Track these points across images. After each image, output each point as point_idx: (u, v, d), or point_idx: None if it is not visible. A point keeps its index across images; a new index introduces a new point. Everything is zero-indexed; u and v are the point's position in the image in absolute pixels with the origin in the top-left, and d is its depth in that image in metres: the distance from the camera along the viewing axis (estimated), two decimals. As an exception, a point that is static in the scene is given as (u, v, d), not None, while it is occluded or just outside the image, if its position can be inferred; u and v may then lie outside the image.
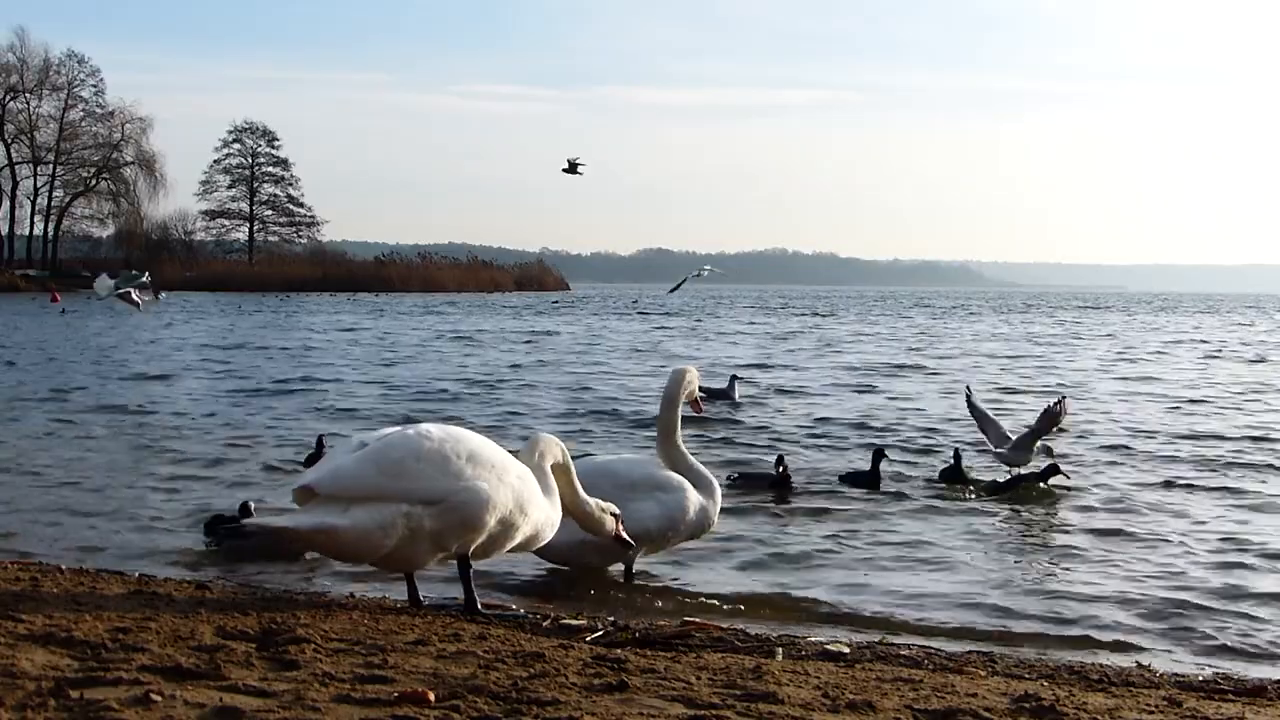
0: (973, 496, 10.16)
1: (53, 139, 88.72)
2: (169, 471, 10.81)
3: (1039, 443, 10.72)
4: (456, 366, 24.12)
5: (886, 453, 10.98)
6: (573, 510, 6.03)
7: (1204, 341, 39.26)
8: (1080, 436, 13.75)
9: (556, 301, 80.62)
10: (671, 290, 17.62)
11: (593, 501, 6.10)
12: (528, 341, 33.51)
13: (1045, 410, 10.74)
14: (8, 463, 11.12)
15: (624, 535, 6.27)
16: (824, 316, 59.45)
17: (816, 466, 11.60)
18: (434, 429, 5.57)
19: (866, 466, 10.62)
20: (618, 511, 6.24)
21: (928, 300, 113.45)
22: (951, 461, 10.84)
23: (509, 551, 5.79)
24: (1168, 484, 10.76)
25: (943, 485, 10.55)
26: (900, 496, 10.09)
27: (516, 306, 67.07)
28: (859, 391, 19.85)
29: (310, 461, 10.18)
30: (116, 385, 18.98)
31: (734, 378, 17.50)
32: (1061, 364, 27.28)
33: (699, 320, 52.08)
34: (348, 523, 5.26)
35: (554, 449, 5.89)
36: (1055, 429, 10.93)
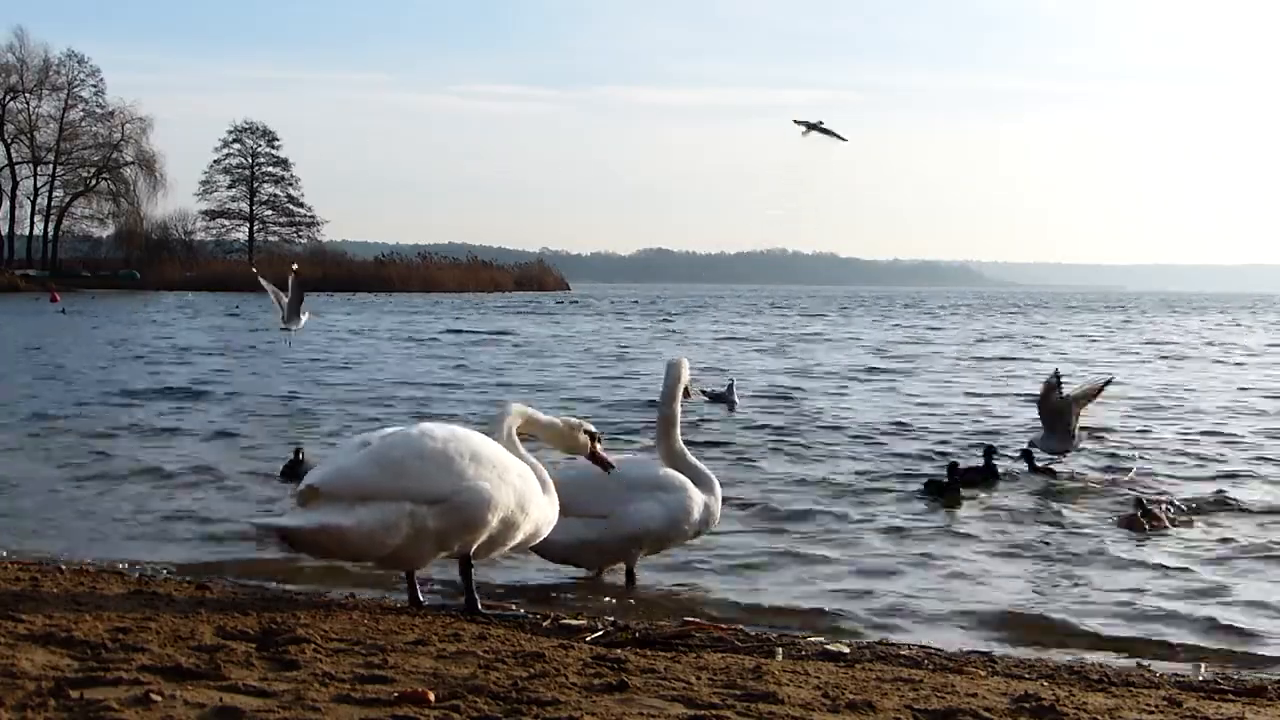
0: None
1: (53, 139, 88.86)
2: (171, 472, 10.82)
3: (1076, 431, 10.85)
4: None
5: (997, 450, 11.25)
6: (548, 435, 6.11)
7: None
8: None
9: (573, 300, 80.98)
10: (802, 125, 16.93)
11: (562, 420, 6.14)
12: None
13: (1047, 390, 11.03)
14: (15, 462, 11.12)
15: (603, 457, 6.24)
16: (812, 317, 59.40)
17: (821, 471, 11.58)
18: (436, 428, 5.58)
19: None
20: (592, 429, 6.22)
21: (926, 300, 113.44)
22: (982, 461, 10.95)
23: (509, 550, 5.81)
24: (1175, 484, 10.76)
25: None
26: (906, 497, 10.09)
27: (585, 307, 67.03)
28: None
29: (288, 472, 9.94)
30: (115, 385, 18.99)
31: (732, 382, 17.47)
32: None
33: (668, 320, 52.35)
34: (352, 522, 5.27)
35: (517, 416, 5.93)
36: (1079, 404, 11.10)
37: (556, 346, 32.15)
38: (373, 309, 58.69)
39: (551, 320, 50.22)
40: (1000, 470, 10.86)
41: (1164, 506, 9.12)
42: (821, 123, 17.79)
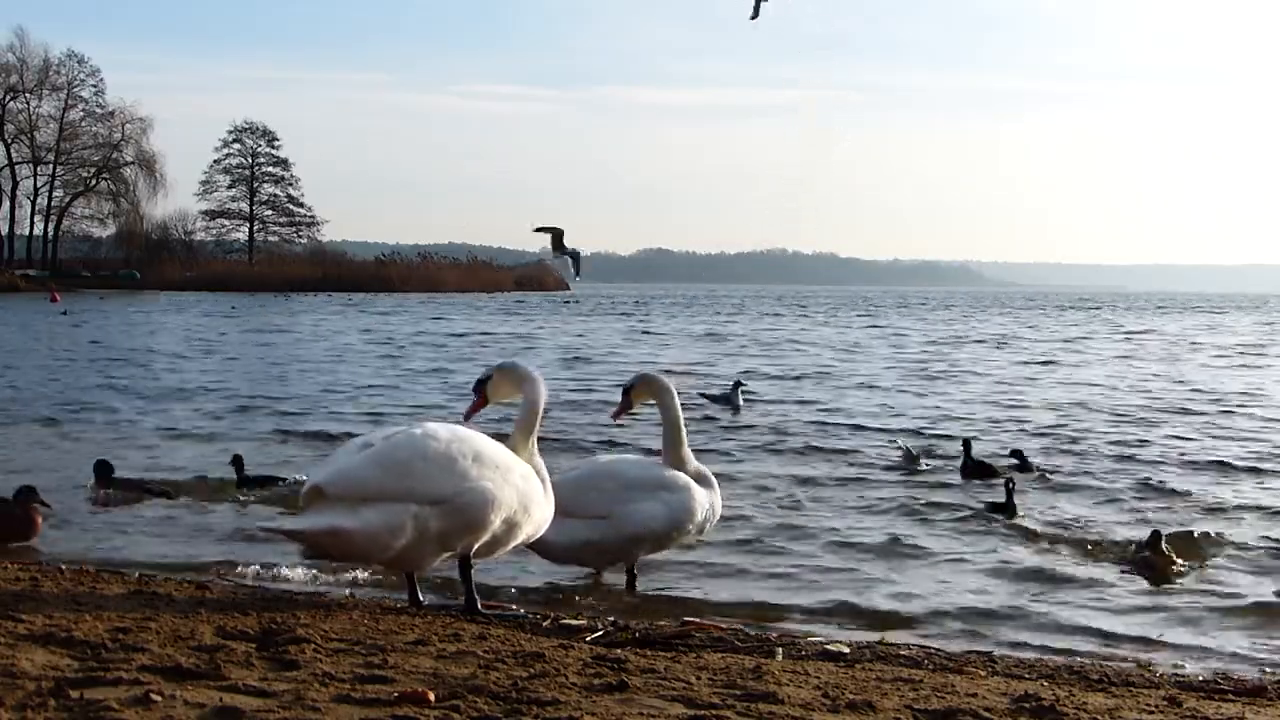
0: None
1: (53, 139, 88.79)
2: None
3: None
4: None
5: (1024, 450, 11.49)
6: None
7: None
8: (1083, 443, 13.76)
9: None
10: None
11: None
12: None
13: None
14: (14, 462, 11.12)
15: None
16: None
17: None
18: (440, 429, 5.57)
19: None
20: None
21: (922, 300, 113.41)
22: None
23: (509, 549, 5.81)
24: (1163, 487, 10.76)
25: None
26: (897, 495, 10.09)
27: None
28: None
29: (242, 482, 9.76)
30: (114, 383, 18.99)
31: (737, 384, 17.42)
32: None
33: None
34: (357, 524, 5.26)
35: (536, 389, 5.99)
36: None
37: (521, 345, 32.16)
38: (362, 308, 58.66)
39: (529, 321, 50.12)
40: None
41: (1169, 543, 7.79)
42: (577, 253, 17.82)
